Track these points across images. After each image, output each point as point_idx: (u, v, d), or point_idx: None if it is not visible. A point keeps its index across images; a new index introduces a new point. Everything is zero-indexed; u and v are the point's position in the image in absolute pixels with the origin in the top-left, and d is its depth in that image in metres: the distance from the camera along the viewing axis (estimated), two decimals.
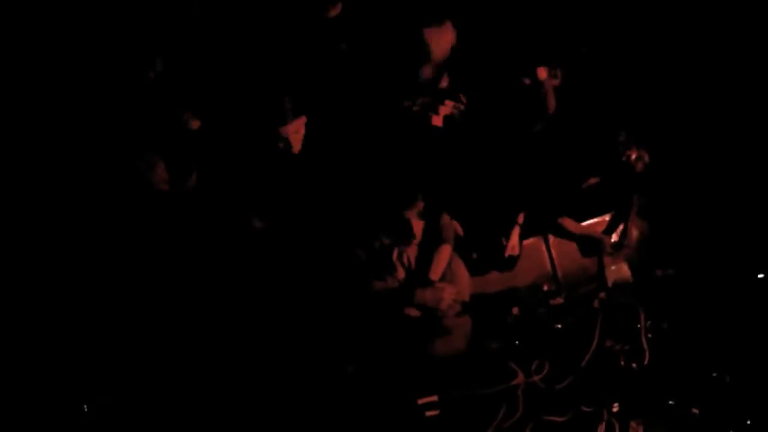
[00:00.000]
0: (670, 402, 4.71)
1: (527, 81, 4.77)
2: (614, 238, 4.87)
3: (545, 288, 4.54)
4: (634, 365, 4.68)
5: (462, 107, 4.77)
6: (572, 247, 4.78)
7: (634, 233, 4.92)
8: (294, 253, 4.21)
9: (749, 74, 5.10)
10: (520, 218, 4.69)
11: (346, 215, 4.40)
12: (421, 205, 4.51)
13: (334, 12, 4.83)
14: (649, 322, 4.70)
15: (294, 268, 4.19)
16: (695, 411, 4.69)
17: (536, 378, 4.42)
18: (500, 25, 5.02)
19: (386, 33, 4.92)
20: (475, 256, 4.56)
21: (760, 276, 4.86)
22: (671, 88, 5.00)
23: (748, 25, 5.01)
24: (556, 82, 4.88)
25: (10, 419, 4.49)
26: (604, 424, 4.60)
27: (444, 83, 4.90)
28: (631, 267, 4.80)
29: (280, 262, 4.23)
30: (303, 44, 4.87)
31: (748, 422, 4.66)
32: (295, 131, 4.35)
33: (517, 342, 4.36)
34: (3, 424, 4.51)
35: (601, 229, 4.87)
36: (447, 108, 4.76)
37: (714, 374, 4.68)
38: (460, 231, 4.58)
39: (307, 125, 4.50)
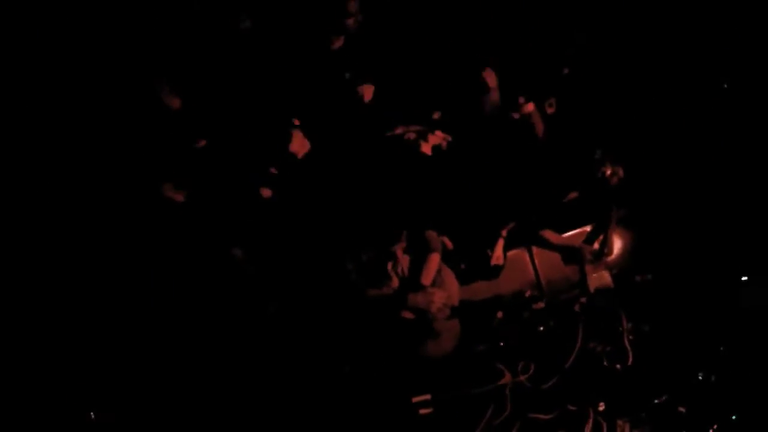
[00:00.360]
0: (656, 401, 5.03)
1: (516, 115, 5.20)
2: (595, 247, 5.22)
3: (528, 294, 4.90)
4: (618, 366, 5.01)
5: (449, 138, 5.18)
6: (555, 256, 5.13)
7: (614, 242, 5.26)
8: (293, 262, 4.59)
9: (720, 90, 5.48)
10: (504, 231, 5.06)
11: (345, 228, 4.79)
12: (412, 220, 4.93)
13: (338, 43, 5.26)
14: (630, 324, 5.04)
15: (294, 275, 4.57)
16: (682, 410, 4.99)
17: (523, 378, 4.76)
18: (490, 53, 5.45)
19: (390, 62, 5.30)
20: (463, 266, 4.93)
21: (744, 278, 5.20)
22: (644, 107, 5.38)
23: (712, 47, 5.41)
24: (551, 110, 5.30)
25: (10, 419, 4.57)
26: (591, 422, 4.92)
27: (435, 115, 5.33)
28: (611, 274, 5.16)
29: (279, 270, 4.60)
30: (307, 70, 5.20)
31: (733, 417, 4.97)
32: (300, 148, 4.78)
33: (502, 344, 4.71)
34: (5, 425, 4.59)
35: (582, 239, 5.23)
36: (437, 138, 5.18)
37: (699, 374, 5.00)
38: (449, 244, 4.96)
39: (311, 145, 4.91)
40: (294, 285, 4.58)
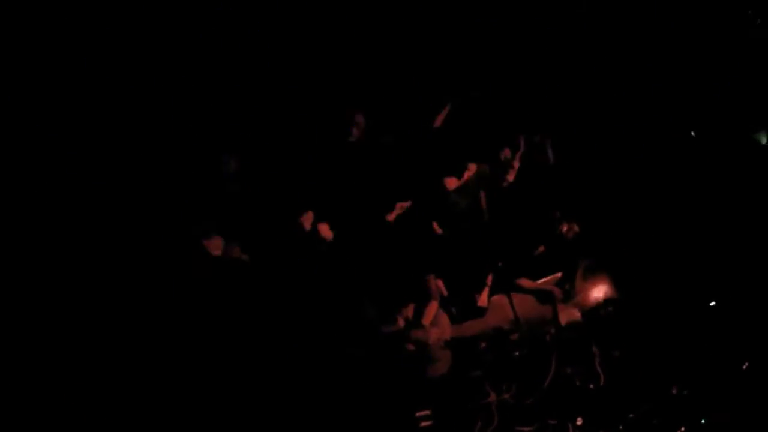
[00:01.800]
0: (630, 415, 5.98)
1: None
2: (565, 288, 6.36)
3: (506, 328, 6.08)
4: (591, 386, 6.04)
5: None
6: (530, 299, 6.32)
7: (581, 285, 6.39)
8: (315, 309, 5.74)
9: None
10: (489, 280, 6.29)
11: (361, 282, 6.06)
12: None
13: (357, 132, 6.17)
14: (599, 351, 6.09)
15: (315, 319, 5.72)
16: (654, 422, 5.92)
17: (506, 396, 5.88)
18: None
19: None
20: (454, 310, 6.17)
21: (712, 304, 6.09)
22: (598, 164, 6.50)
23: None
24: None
25: (11, 419, 4.71)
26: None
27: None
28: (580, 310, 6.28)
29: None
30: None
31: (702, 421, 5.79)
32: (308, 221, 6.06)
33: (487, 368, 5.88)
34: (4, 424, 4.72)
35: (553, 283, 6.40)
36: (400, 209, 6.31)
37: (668, 389, 5.86)
38: (444, 291, 6.21)
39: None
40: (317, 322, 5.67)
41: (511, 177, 6.36)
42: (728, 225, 6.15)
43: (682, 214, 6.25)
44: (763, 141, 6.31)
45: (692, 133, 6.42)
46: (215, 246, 5.50)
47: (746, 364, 5.80)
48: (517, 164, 6.31)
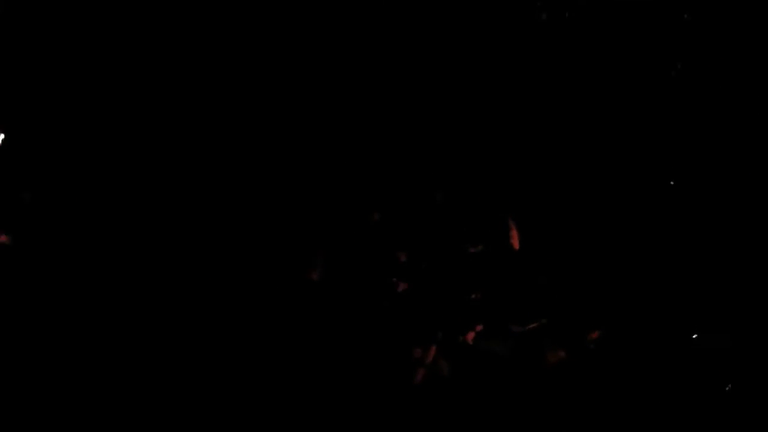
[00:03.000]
0: None
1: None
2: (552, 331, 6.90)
3: (497, 366, 6.62)
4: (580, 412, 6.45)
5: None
6: (519, 341, 6.89)
7: (566, 326, 6.95)
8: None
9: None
10: (478, 328, 6.84)
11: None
12: None
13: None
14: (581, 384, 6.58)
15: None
16: None
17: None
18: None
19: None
20: (451, 351, 6.70)
21: (694, 336, 6.39)
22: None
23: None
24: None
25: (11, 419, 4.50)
26: None
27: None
28: (565, 350, 6.83)
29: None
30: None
31: None
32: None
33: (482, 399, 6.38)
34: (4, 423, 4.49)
35: (540, 327, 6.98)
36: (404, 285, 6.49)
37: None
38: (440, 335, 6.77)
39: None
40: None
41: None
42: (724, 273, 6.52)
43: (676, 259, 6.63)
44: None
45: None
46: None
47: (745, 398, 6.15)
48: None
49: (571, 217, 6.85)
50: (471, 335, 6.61)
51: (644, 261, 6.70)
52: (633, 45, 6.59)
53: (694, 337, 6.67)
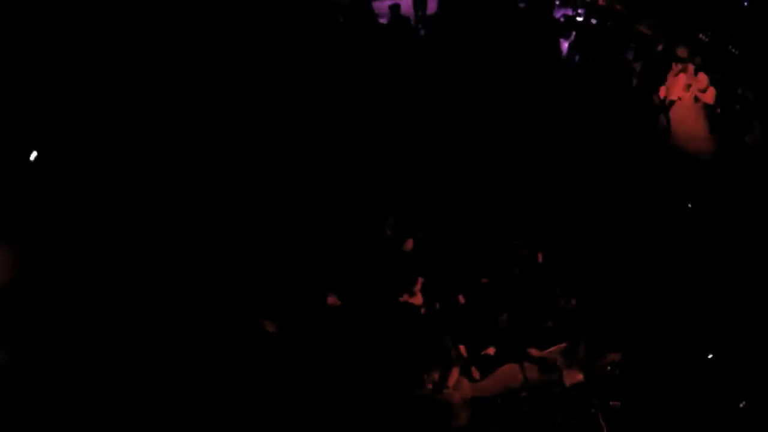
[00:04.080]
0: None
1: None
2: (569, 355, 7.38)
3: (517, 387, 7.12)
4: None
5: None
6: (538, 365, 7.36)
7: (583, 352, 7.43)
8: None
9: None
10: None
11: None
12: None
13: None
14: (601, 405, 7.05)
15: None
16: None
17: None
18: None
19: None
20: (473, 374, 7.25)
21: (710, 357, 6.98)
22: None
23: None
24: None
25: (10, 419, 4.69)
26: None
27: None
28: (583, 372, 7.30)
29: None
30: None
31: None
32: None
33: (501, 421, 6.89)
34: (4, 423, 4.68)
35: (558, 352, 7.44)
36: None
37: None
38: (464, 353, 7.30)
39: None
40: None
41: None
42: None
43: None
44: None
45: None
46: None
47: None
48: None
49: (588, 235, 7.43)
50: (491, 355, 7.07)
51: (659, 280, 7.26)
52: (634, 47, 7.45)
53: (709, 357, 7.09)
